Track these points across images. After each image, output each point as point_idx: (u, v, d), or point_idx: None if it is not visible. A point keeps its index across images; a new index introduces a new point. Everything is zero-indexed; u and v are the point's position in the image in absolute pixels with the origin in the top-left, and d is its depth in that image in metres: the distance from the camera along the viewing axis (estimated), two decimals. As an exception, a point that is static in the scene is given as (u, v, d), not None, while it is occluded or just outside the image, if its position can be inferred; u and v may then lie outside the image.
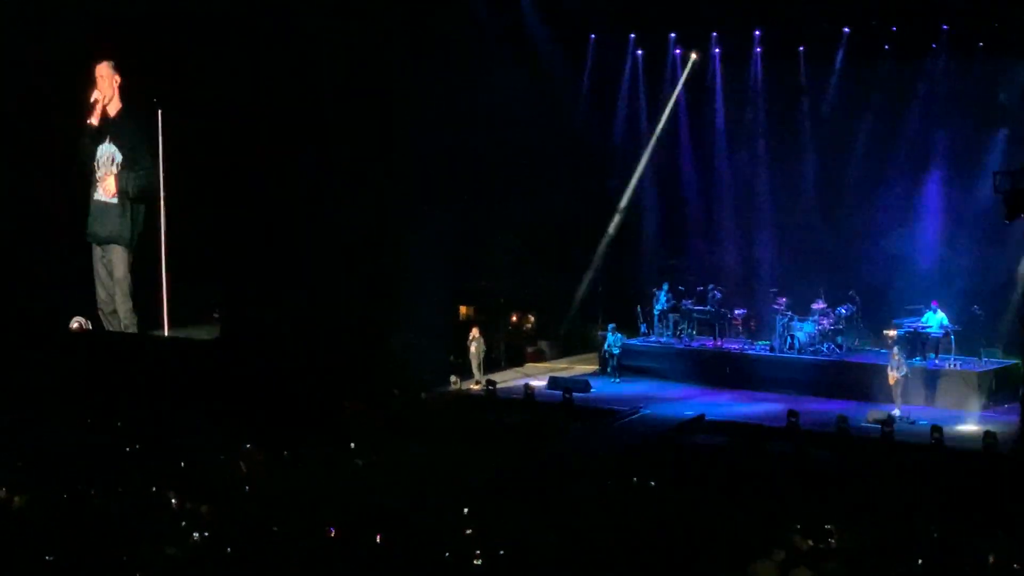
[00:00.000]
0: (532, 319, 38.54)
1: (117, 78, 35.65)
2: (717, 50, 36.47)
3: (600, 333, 36.05)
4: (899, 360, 30.23)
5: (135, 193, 35.66)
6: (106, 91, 35.57)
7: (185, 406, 29.90)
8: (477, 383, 33.99)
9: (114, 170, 35.83)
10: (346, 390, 31.48)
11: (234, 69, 33.97)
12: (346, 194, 33.29)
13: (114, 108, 35.72)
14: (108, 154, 35.90)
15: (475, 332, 34.74)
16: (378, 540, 17.69)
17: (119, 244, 35.81)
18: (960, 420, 29.52)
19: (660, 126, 37.75)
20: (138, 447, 25.14)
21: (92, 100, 35.60)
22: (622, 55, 37.21)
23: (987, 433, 27.05)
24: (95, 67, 35.76)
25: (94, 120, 35.71)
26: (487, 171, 35.79)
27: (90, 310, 36.30)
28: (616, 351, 34.78)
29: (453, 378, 34.02)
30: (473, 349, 34.50)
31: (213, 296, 35.99)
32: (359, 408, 30.83)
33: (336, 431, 28.66)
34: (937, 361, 31.80)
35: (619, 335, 34.94)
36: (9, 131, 35.03)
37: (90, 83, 35.75)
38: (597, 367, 35.75)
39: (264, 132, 33.80)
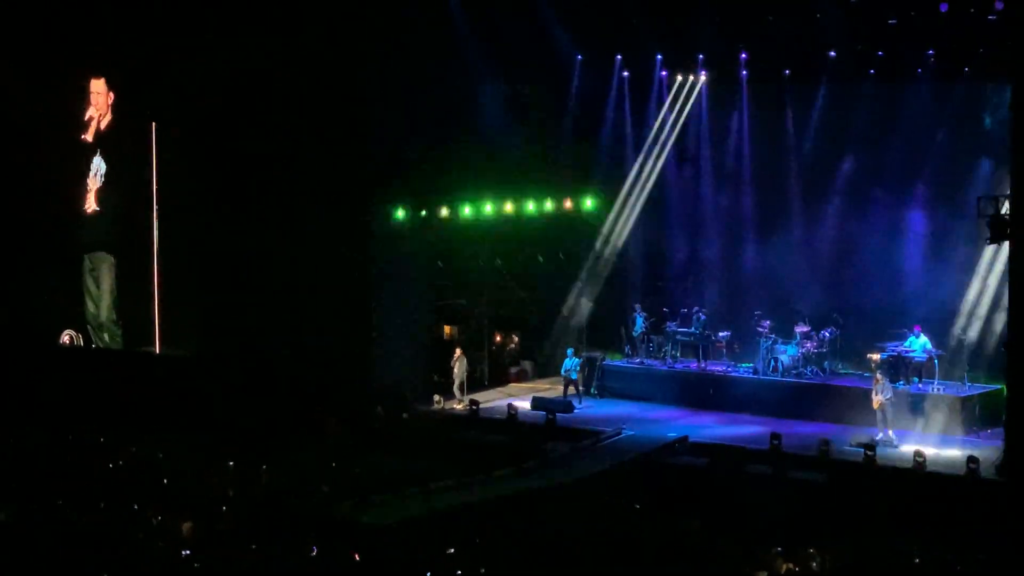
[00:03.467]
0: (516, 339, 38.50)
1: (111, 95, 35.84)
2: (703, 73, 36.50)
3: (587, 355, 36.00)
4: (883, 384, 30.22)
5: (121, 202, 35.79)
6: (100, 107, 35.77)
7: (168, 422, 29.87)
8: (459, 403, 33.92)
9: (100, 181, 36.01)
10: (328, 408, 31.43)
11: (219, 87, 34.03)
12: (326, 211, 33.29)
13: (106, 123, 35.87)
14: (97, 166, 36.12)
15: (458, 352, 34.70)
16: (356, 558, 17.61)
17: (107, 252, 35.97)
18: (943, 444, 29.51)
19: (645, 148, 37.72)
20: (121, 463, 25.06)
21: (87, 118, 35.78)
22: (608, 75, 37.18)
23: (970, 458, 27.07)
24: (89, 84, 35.91)
25: (88, 136, 35.91)
26: (466, 188, 35.79)
27: (82, 323, 36.41)
28: (574, 376, 34.70)
29: (436, 397, 33.97)
30: (456, 369, 34.45)
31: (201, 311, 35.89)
32: (341, 426, 30.79)
33: (318, 449, 28.63)
34: (920, 385, 31.78)
35: (577, 359, 34.85)
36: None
37: (83, 100, 35.88)
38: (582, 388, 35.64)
39: (245, 147, 33.86)
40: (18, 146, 35.73)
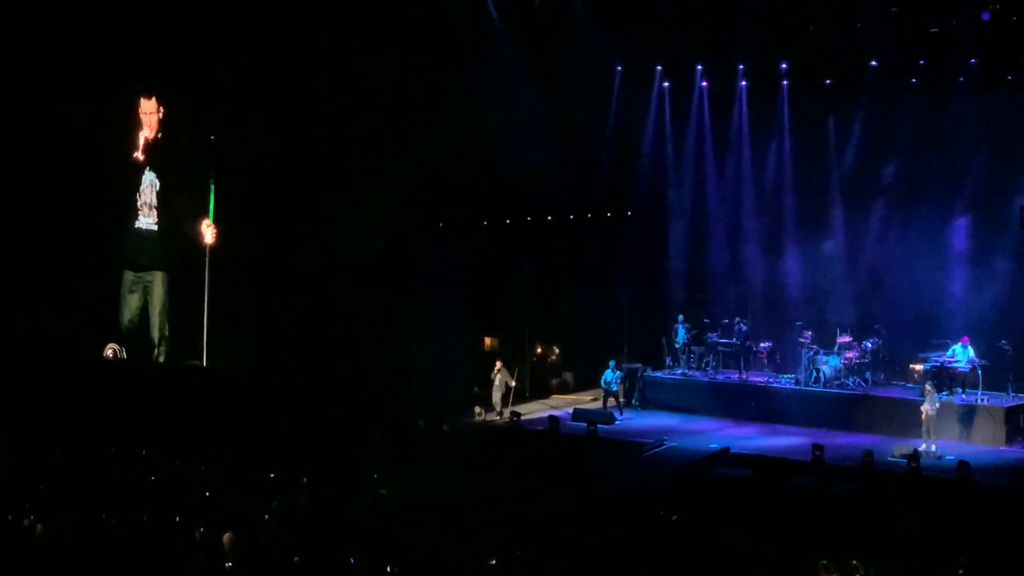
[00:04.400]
0: (557, 351, 38.46)
1: (161, 110, 35.98)
2: (743, 83, 36.44)
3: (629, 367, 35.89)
4: (932, 395, 30.07)
5: (174, 220, 35.95)
6: (151, 124, 35.92)
7: (209, 434, 29.93)
8: (499, 415, 33.86)
9: (154, 198, 36.16)
10: (370, 421, 31.45)
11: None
12: (368, 223, 33.36)
13: (156, 140, 35.97)
14: (148, 181, 36.26)
15: (499, 365, 34.63)
16: (395, 571, 17.57)
17: (159, 270, 36.15)
18: (987, 455, 29.31)
19: (685, 158, 37.69)
20: (163, 476, 25.12)
21: (142, 138, 35.90)
22: (648, 86, 37.16)
23: (1014, 468, 26.87)
24: (139, 101, 36.04)
25: (140, 155, 36.02)
26: (506, 200, 35.78)
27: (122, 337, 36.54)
28: (615, 387, 34.62)
29: (477, 409, 33.94)
30: (497, 382, 34.38)
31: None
32: (383, 438, 30.80)
33: (360, 461, 28.63)
34: (964, 396, 31.62)
35: (618, 371, 34.78)
36: (48, 161, 35.26)
37: (133, 116, 36.02)
38: (622, 400, 35.54)
39: (289, 162, 33.98)
40: (70, 166, 35.84)
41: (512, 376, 34.50)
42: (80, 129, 35.24)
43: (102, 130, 35.80)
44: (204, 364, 35.55)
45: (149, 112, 36.05)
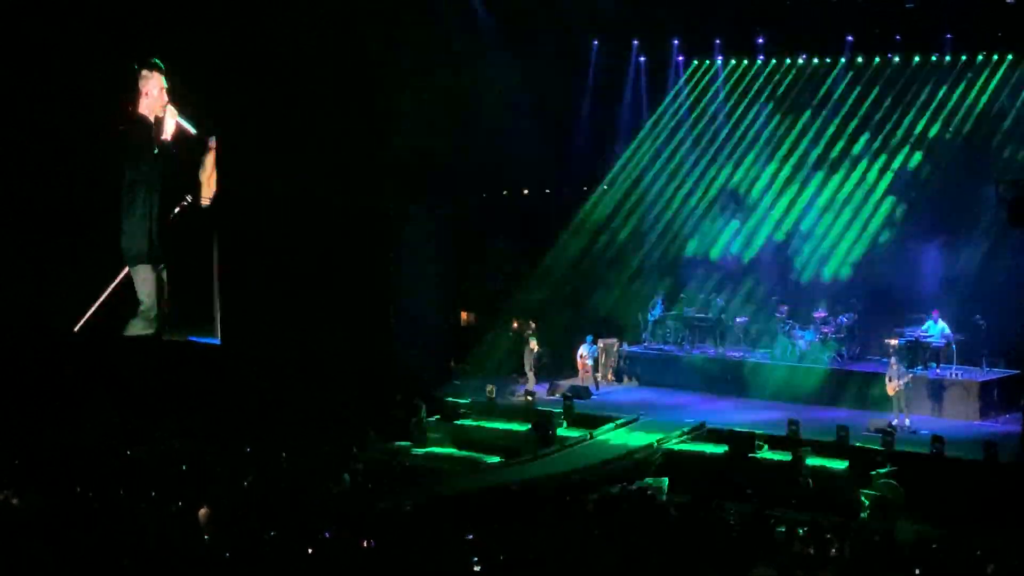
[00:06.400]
0: (533, 325, 38.40)
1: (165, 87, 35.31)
2: (720, 57, 36.46)
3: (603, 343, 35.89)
4: (897, 370, 30.12)
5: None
6: (159, 103, 35.16)
7: (186, 410, 29.91)
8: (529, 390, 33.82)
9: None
10: (348, 396, 31.43)
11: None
12: (342, 196, 33.19)
13: (170, 122, 35.19)
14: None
15: (533, 344, 34.40)
16: (370, 545, 17.59)
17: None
18: (961, 430, 29.42)
19: (660, 131, 37.69)
20: (139, 450, 25.12)
21: (152, 118, 35.15)
22: (624, 61, 37.12)
23: (988, 443, 26.97)
24: (144, 80, 35.39)
25: (167, 136, 35.17)
26: (482, 174, 35.68)
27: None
28: (591, 361, 34.63)
29: (525, 389, 33.80)
30: (532, 359, 34.24)
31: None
32: (360, 414, 30.82)
33: (337, 436, 28.66)
34: (939, 371, 31.71)
35: (596, 346, 34.81)
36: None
37: (139, 96, 35.41)
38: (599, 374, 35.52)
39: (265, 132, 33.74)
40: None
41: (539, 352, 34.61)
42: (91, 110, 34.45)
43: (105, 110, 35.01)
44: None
45: (153, 86, 35.31)
